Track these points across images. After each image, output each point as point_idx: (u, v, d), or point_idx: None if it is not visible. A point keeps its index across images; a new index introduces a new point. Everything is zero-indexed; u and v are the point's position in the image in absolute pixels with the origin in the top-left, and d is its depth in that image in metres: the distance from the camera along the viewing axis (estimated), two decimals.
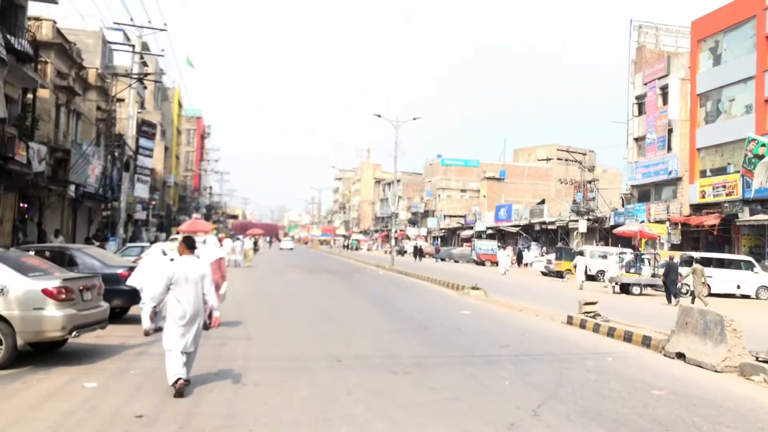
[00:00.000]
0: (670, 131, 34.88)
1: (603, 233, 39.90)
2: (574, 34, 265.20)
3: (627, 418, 6.30)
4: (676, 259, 21.47)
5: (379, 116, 40.77)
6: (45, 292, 7.61)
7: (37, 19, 24.30)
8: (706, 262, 23.24)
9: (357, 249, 79.23)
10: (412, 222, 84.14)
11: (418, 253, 52.25)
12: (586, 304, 13.42)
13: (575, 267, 26.94)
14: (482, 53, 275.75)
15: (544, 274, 34.32)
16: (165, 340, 6.70)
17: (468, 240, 60.31)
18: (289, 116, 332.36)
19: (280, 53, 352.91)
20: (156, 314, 7.01)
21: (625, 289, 23.58)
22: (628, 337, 11.20)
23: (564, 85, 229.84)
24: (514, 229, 52.72)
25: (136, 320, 11.14)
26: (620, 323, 12.27)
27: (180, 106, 69.20)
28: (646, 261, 26.00)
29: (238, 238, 40.44)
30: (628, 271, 25.03)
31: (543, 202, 55.89)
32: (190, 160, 79.47)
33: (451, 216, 72.37)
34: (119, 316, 11.54)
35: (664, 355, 9.90)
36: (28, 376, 7.18)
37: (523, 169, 74.63)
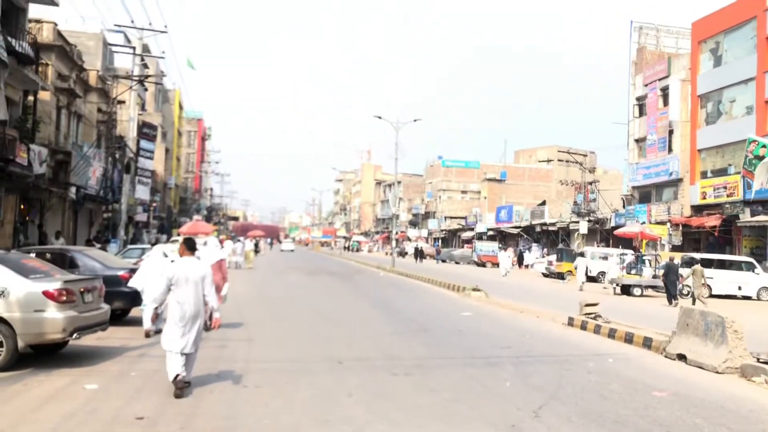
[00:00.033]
0: (670, 132, 34.87)
1: (604, 234, 39.89)
2: (574, 34, 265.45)
3: (628, 420, 6.29)
4: (677, 260, 21.45)
5: (380, 118, 40.79)
6: (46, 294, 7.61)
7: (38, 21, 24.31)
8: (707, 264, 23.22)
9: (358, 250, 79.24)
10: (413, 223, 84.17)
11: (419, 254, 52.23)
12: (587, 305, 13.41)
13: (576, 268, 26.93)
14: (482, 53, 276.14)
15: (545, 275, 34.29)
16: (164, 340, 6.72)
17: (469, 241, 60.33)
18: (289, 116, 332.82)
19: (280, 53, 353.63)
20: (157, 316, 7.01)
21: (626, 290, 23.56)
22: (629, 339, 11.19)
23: (564, 85, 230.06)
24: (515, 231, 52.72)
25: (137, 322, 11.13)
26: (621, 324, 12.26)
27: (181, 108, 69.26)
28: (647, 262, 25.97)
29: (238, 240, 40.43)
30: (629, 273, 25.01)
31: (544, 203, 55.87)
32: (191, 161, 79.46)
33: (451, 217, 72.42)
34: (120, 317, 11.53)
35: (665, 357, 9.89)
36: (28, 378, 7.18)
37: (523, 170, 74.63)
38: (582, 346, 10.89)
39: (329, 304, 16.54)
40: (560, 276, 31.63)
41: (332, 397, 6.76)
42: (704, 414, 6.65)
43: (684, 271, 21.52)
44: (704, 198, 31.50)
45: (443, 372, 8.25)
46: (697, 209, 32.06)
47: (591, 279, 28.14)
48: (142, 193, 39.72)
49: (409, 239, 76.37)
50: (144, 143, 38.26)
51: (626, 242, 32.45)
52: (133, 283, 10.53)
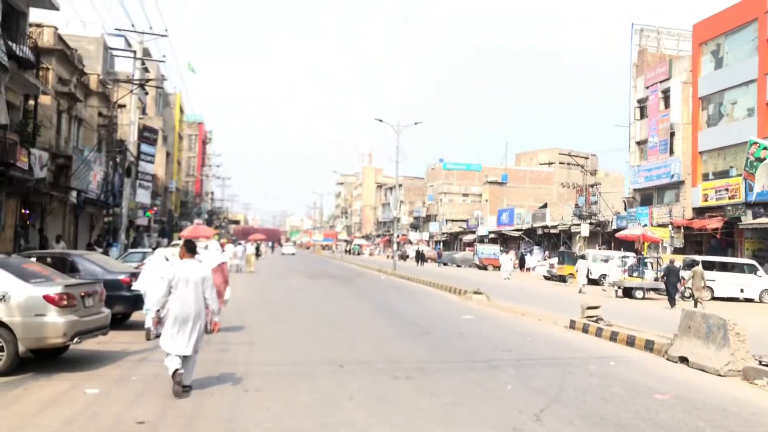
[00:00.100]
0: (672, 135, 34.84)
1: (605, 237, 39.84)
2: (574, 34, 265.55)
3: (630, 423, 6.28)
4: (677, 263, 21.41)
5: (381, 121, 40.81)
6: (46, 298, 7.61)
7: (38, 25, 24.27)
8: (709, 266, 23.17)
9: (359, 254, 79.24)
10: (414, 226, 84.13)
11: (420, 257, 52.19)
12: (589, 308, 13.38)
13: (577, 271, 26.90)
14: (482, 53, 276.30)
15: (546, 278, 34.22)
16: (162, 342, 6.77)
17: (470, 244, 60.29)
18: (289, 117, 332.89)
19: (280, 53, 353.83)
20: (160, 320, 7.04)
21: (628, 293, 23.52)
22: (630, 341, 11.16)
23: (564, 86, 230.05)
24: (517, 234, 52.66)
25: (138, 326, 11.15)
26: (623, 327, 12.22)
27: (181, 111, 69.30)
28: (648, 265, 25.93)
29: (239, 243, 40.42)
30: (630, 275, 24.96)
31: (545, 206, 55.82)
32: (192, 165, 79.43)
33: (453, 220, 72.34)
34: (121, 322, 11.52)
35: (667, 359, 9.87)
36: (29, 382, 7.18)
37: (525, 173, 74.60)
38: (584, 349, 10.87)
39: (330, 308, 16.52)
40: (562, 279, 31.59)
41: (333, 400, 6.75)
42: (706, 417, 6.62)
43: (686, 274, 21.47)
44: (706, 200, 31.46)
45: (444, 375, 8.24)
46: (699, 211, 32.02)
47: (592, 281, 28.10)
48: (143, 197, 39.74)
49: (410, 242, 76.33)
50: (145, 147, 38.31)
51: (628, 245, 32.38)
52: (137, 286, 10.58)
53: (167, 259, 10.67)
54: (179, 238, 34.79)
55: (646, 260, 26.42)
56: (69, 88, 26.54)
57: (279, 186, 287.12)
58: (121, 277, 11.17)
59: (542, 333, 12.67)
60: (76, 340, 7.83)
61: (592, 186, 42.51)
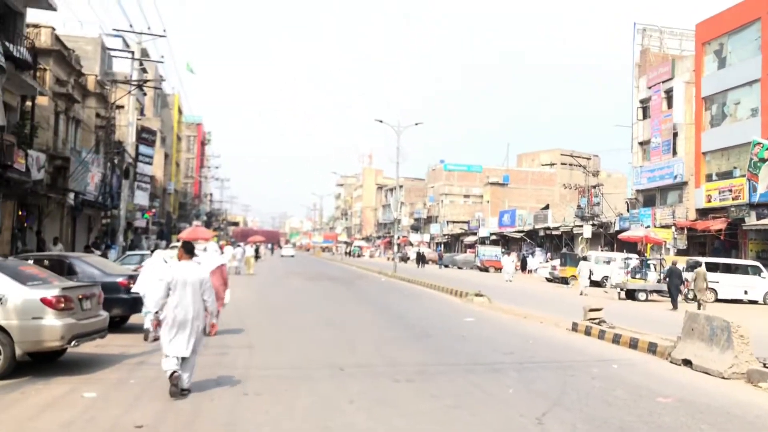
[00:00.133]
0: (675, 135, 34.74)
1: (608, 238, 39.73)
2: (574, 34, 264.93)
3: (633, 426, 6.23)
4: (679, 265, 21.32)
5: (381, 122, 40.77)
6: (44, 301, 7.57)
7: (35, 26, 24.19)
8: (713, 268, 23.07)
9: (359, 256, 79.17)
10: (415, 228, 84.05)
11: (421, 259, 52.06)
12: (591, 310, 13.33)
13: (579, 273, 26.79)
14: (483, 53, 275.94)
15: (548, 280, 34.13)
16: (162, 344, 6.83)
17: (471, 246, 60.14)
18: (288, 117, 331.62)
19: (279, 54, 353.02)
20: (159, 323, 7.03)
21: (631, 295, 23.42)
22: (633, 344, 11.10)
23: (565, 86, 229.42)
24: (518, 235, 52.54)
25: (136, 329, 11.13)
26: (626, 330, 12.15)
27: (180, 112, 69.16)
28: (651, 266, 25.82)
29: (238, 245, 40.34)
30: (633, 277, 24.86)
31: (547, 207, 55.68)
32: (191, 167, 79.28)
33: (454, 222, 72.21)
34: (119, 325, 11.49)
35: (671, 362, 9.80)
36: (26, 386, 7.14)
37: (526, 174, 74.48)
38: (586, 351, 10.81)
39: (330, 310, 16.46)
40: (564, 281, 31.48)
41: (333, 403, 6.71)
42: (710, 420, 6.57)
43: (689, 276, 21.37)
44: (709, 201, 31.33)
45: (445, 378, 8.19)
46: (703, 213, 31.89)
47: (595, 283, 28.00)
48: (141, 198, 39.64)
49: (411, 244, 76.25)
50: (143, 148, 38.17)
51: (631, 246, 32.27)
52: (136, 289, 10.56)
53: (166, 261, 10.64)
54: (178, 240, 34.76)
55: (649, 262, 26.31)
56: (66, 89, 26.49)
57: (278, 187, 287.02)
58: (119, 279, 11.12)
59: (544, 335, 12.61)
60: (73, 343, 7.78)
61: (594, 187, 42.41)
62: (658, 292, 23.34)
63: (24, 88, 21.49)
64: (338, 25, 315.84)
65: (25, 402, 6.50)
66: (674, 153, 34.76)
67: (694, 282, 19.91)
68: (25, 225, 23.82)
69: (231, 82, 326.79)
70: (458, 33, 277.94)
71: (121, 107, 32.71)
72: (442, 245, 72.59)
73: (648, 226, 33.02)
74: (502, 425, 6.12)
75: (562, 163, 70.77)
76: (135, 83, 31.51)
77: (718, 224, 29.61)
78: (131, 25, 29.87)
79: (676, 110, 34.52)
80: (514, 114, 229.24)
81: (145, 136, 38.69)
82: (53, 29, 25.50)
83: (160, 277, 7.07)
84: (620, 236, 32.05)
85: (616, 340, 11.61)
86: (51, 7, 22.27)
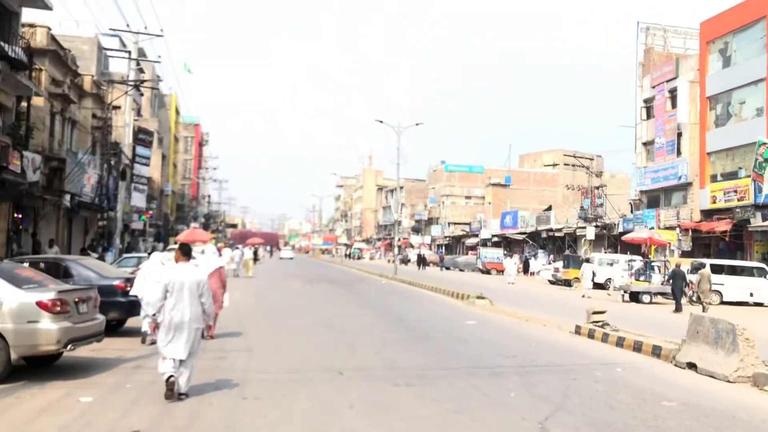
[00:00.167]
0: (679, 135, 34.58)
1: (611, 240, 39.55)
2: (574, 34, 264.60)
3: (636, 430, 6.17)
4: (683, 266, 21.19)
5: (381, 122, 40.72)
6: (39, 304, 7.51)
7: (31, 25, 23.99)
8: (718, 270, 22.92)
9: (359, 258, 78.95)
10: (416, 230, 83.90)
11: (422, 261, 51.87)
12: (595, 313, 13.25)
13: (582, 275, 26.66)
14: (483, 53, 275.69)
15: (551, 282, 34.01)
16: (159, 346, 6.82)
17: (473, 248, 59.93)
18: (287, 117, 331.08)
19: (279, 53, 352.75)
20: (157, 326, 7.01)
21: (635, 297, 23.28)
22: (637, 347, 11.00)
23: (566, 86, 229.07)
24: (521, 237, 52.40)
25: (133, 333, 11.09)
26: (629, 332, 12.07)
27: (177, 113, 68.99)
28: (656, 268, 25.67)
29: (237, 248, 40.23)
30: (637, 279, 24.71)
31: (550, 208, 55.54)
32: (188, 168, 78.97)
33: (455, 223, 72.07)
34: (116, 328, 11.42)
35: (675, 365, 9.71)
36: (21, 390, 7.08)
37: (528, 174, 74.26)
38: (589, 354, 10.72)
39: (330, 313, 16.39)
40: (567, 283, 31.36)
41: (332, 408, 6.65)
42: (715, 424, 6.50)
43: (693, 278, 21.24)
44: (714, 202, 31.16)
45: (446, 382, 8.11)
46: (707, 214, 31.71)
47: (598, 285, 27.85)
48: (138, 200, 39.47)
49: (411, 246, 76.08)
50: (140, 149, 38.04)
51: (634, 248, 32.10)
52: (134, 291, 10.50)
53: (163, 264, 10.57)
54: (175, 243, 34.73)
55: (653, 264, 26.16)
56: (62, 89, 26.36)
57: (277, 189, 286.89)
58: (116, 282, 11.05)
59: (547, 338, 12.51)
60: (69, 347, 7.73)
61: (597, 188, 42.29)
62: (663, 294, 23.20)
63: (19, 88, 21.39)
64: (338, 25, 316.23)
65: (21, 407, 6.45)
66: (678, 153, 34.60)
67: (698, 284, 19.78)
68: (21, 227, 23.70)
69: (230, 82, 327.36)
70: (458, 33, 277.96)
71: (117, 108, 32.60)
72: (444, 247, 72.44)
73: (652, 228, 32.82)
74: (503, 430, 6.05)
75: (565, 164, 70.54)
76: (132, 83, 31.36)
77: (723, 225, 29.41)
78: (128, 25, 29.44)
79: (680, 110, 34.35)
80: (515, 114, 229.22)
81: (142, 136, 38.56)
82: (49, 29, 25.29)
83: (158, 278, 7.04)
84: (624, 238, 31.87)
85: (620, 343, 11.51)
86: (47, 7, 22.12)
